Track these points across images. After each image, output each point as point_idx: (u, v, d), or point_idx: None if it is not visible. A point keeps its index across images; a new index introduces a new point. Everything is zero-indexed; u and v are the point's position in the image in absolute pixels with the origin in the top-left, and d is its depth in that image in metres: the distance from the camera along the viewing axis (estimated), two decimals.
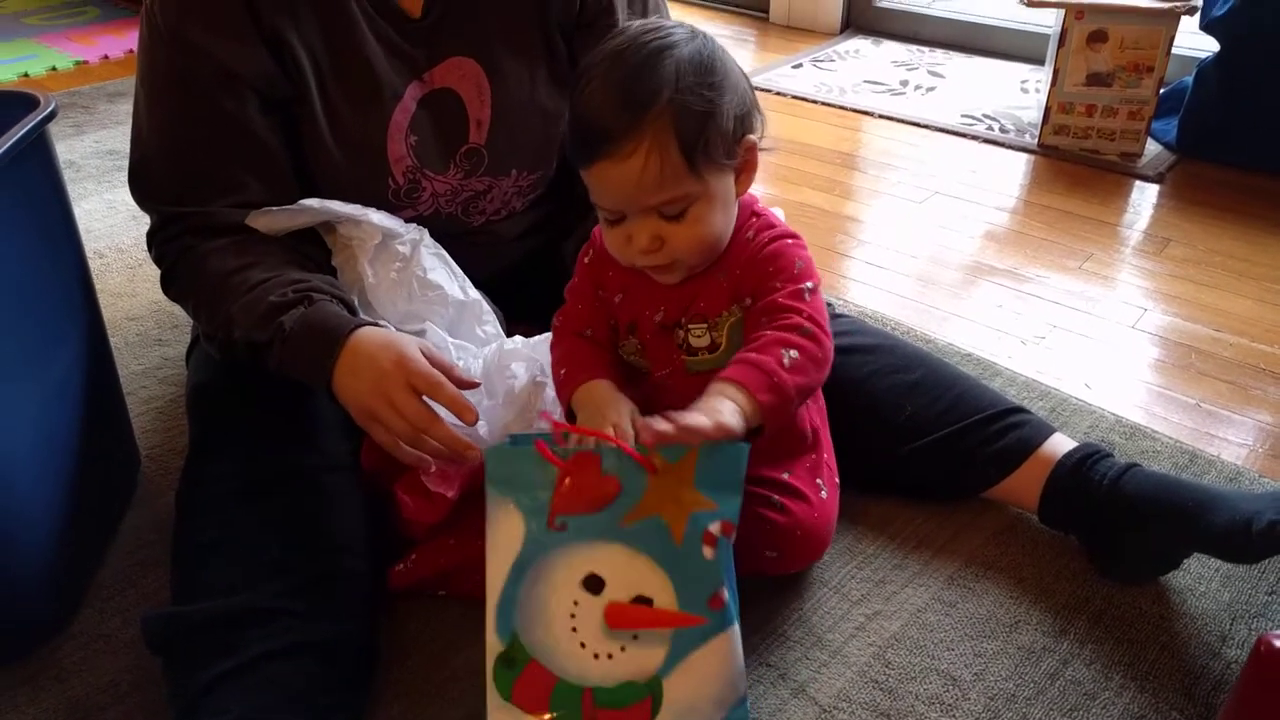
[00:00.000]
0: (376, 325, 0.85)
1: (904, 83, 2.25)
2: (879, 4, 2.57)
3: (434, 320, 0.93)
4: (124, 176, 1.82)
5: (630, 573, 0.68)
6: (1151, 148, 1.87)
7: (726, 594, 0.69)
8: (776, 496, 0.86)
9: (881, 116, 2.08)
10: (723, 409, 0.71)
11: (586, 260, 0.89)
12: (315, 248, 0.96)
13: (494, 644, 0.70)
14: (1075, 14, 1.78)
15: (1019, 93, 2.17)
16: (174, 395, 1.21)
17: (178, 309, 1.38)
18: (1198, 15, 1.75)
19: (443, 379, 0.80)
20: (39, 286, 0.87)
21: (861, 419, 0.97)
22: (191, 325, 1.08)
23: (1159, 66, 1.77)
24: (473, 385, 0.84)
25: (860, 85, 2.24)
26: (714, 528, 0.68)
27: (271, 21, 0.87)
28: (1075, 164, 1.85)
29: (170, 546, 0.86)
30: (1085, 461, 0.92)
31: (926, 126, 2.03)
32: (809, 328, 0.78)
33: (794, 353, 0.76)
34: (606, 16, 1.00)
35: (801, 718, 0.81)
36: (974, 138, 1.97)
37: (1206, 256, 1.53)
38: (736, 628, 0.70)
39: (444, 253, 0.98)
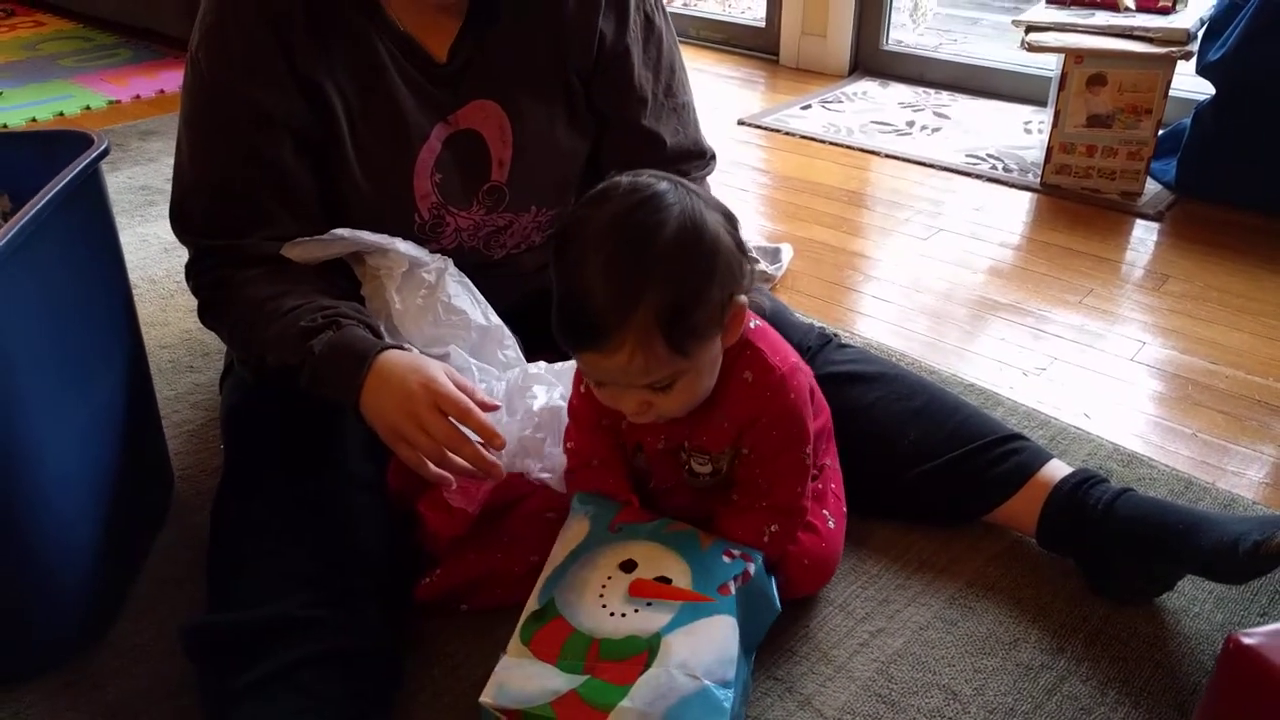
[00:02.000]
0: (402, 348, 0.90)
1: (910, 123, 2.31)
2: (886, 47, 2.65)
3: (457, 344, 0.98)
4: (156, 211, 1.91)
5: (659, 560, 0.81)
6: (1151, 187, 1.92)
7: (733, 587, 0.79)
8: None
9: (888, 156, 2.14)
10: None
11: (583, 389, 0.89)
12: (344, 279, 1.01)
13: (532, 604, 0.80)
14: (1075, 58, 1.84)
15: (1022, 133, 2.23)
16: (205, 420, 1.26)
17: (209, 337, 1.44)
18: (1194, 60, 1.81)
19: (471, 404, 0.84)
20: (89, 314, 0.93)
21: (866, 445, 1.01)
22: (225, 353, 1.14)
23: (1157, 109, 1.82)
24: (493, 408, 0.88)
25: (868, 125, 2.30)
26: (735, 550, 0.83)
27: (307, 69, 0.93)
28: (1077, 202, 1.90)
29: (206, 561, 0.90)
30: (1081, 486, 0.95)
31: (932, 166, 2.08)
32: (797, 504, 0.88)
33: (774, 528, 0.87)
34: (622, 63, 1.06)
35: None
36: (978, 177, 2.02)
37: (1204, 292, 1.57)
38: (736, 623, 0.77)
39: (467, 280, 1.03)
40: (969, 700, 0.86)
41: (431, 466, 0.84)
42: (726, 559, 0.82)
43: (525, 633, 0.77)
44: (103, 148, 0.93)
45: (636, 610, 0.77)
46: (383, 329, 0.96)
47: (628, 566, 0.81)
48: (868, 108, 2.42)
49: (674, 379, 0.78)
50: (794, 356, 0.88)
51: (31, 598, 0.86)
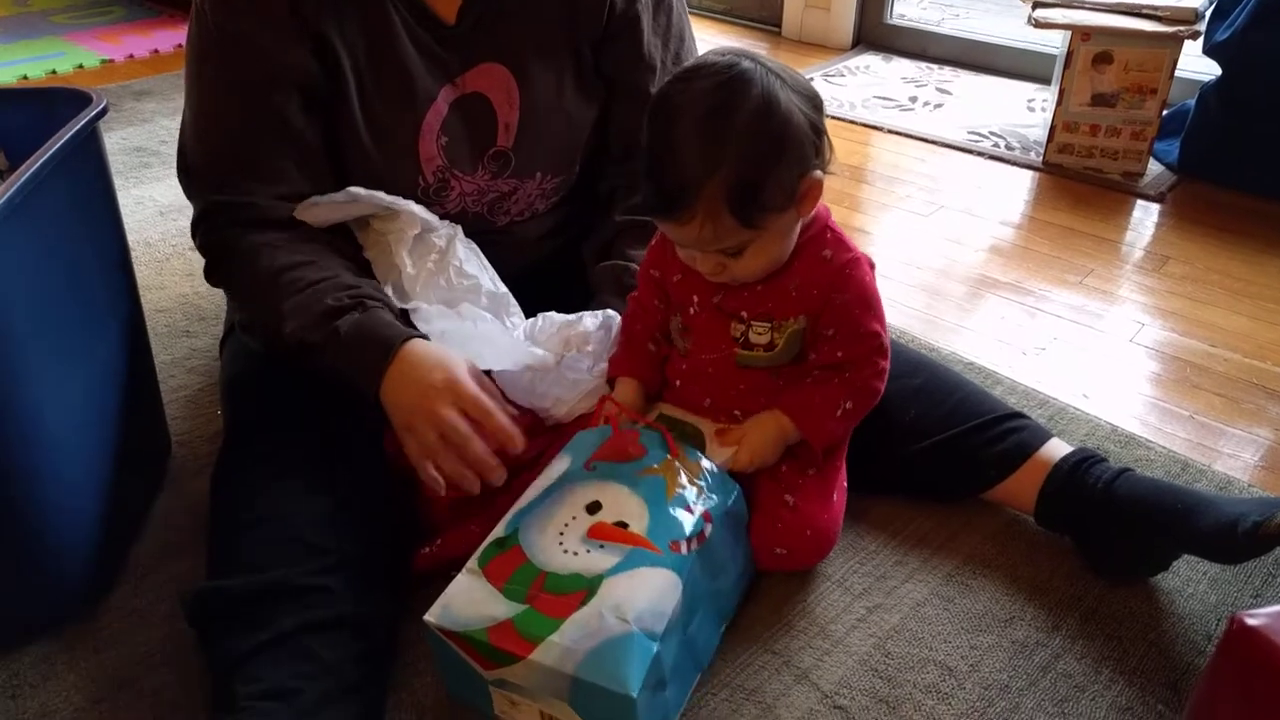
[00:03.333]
0: (426, 338, 0.90)
1: (913, 99, 2.30)
2: (889, 21, 2.62)
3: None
4: (151, 174, 1.89)
5: (624, 505, 0.83)
6: (1153, 168, 1.91)
7: (684, 548, 0.81)
8: (789, 497, 0.91)
9: (890, 131, 2.13)
10: (767, 447, 0.91)
11: (652, 244, 0.97)
12: (346, 242, 1.00)
13: (497, 531, 0.83)
14: (1081, 36, 1.83)
15: (1025, 111, 2.21)
16: (201, 385, 1.26)
17: (205, 301, 1.44)
18: (1201, 40, 1.79)
19: (492, 407, 0.85)
20: (87, 276, 0.92)
21: (866, 421, 1.01)
22: (225, 317, 1.13)
23: (1162, 89, 1.81)
24: (514, 415, 0.89)
25: (870, 100, 2.29)
26: (697, 507, 0.84)
27: (316, 23, 0.92)
28: (1078, 182, 1.90)
29: (207, 525, 0.90)
30: (1081, 465, 0.96)
31: (934, 142, 2.07)
32: (874, 384, 0.91)
33: (849, 404, 0.91)
34: (632, 30, 1.05)
35: (804, 702, 0.84)
36: (980, 154, 2.01)
37: (1204, 275, 1.57)
38: (681, 584, 0.78)
39: (475, 247, 1.03)
40: (964, 676, 0.87)
41: (429, 468, 0.85)
42: (686, 515, 0.82)
43: (484, 557, 0.80)
44: (101, 106, 0.92)
45: (589, 551, 0.79)
46: (393, 300, 0.95)
47: (593, 508, 0.83)
48: (870, 82, 2.41)
49: (744, 247, 0.83)
50: None
51: (29, 562, 0.86)
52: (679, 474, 0.86)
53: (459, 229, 1.03)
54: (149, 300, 1.44)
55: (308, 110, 0.95)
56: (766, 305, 0.90)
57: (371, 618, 0.81)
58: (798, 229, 0.88)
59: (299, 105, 0.94)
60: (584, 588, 0.76)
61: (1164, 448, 1.16)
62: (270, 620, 0.76)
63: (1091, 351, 1.37)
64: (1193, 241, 1.67)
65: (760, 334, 0.90)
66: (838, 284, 0.88)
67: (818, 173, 0.83)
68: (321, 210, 0.95)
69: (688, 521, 0.82)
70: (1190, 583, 0.96)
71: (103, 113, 0.92)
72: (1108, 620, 0.92)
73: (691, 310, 0.93)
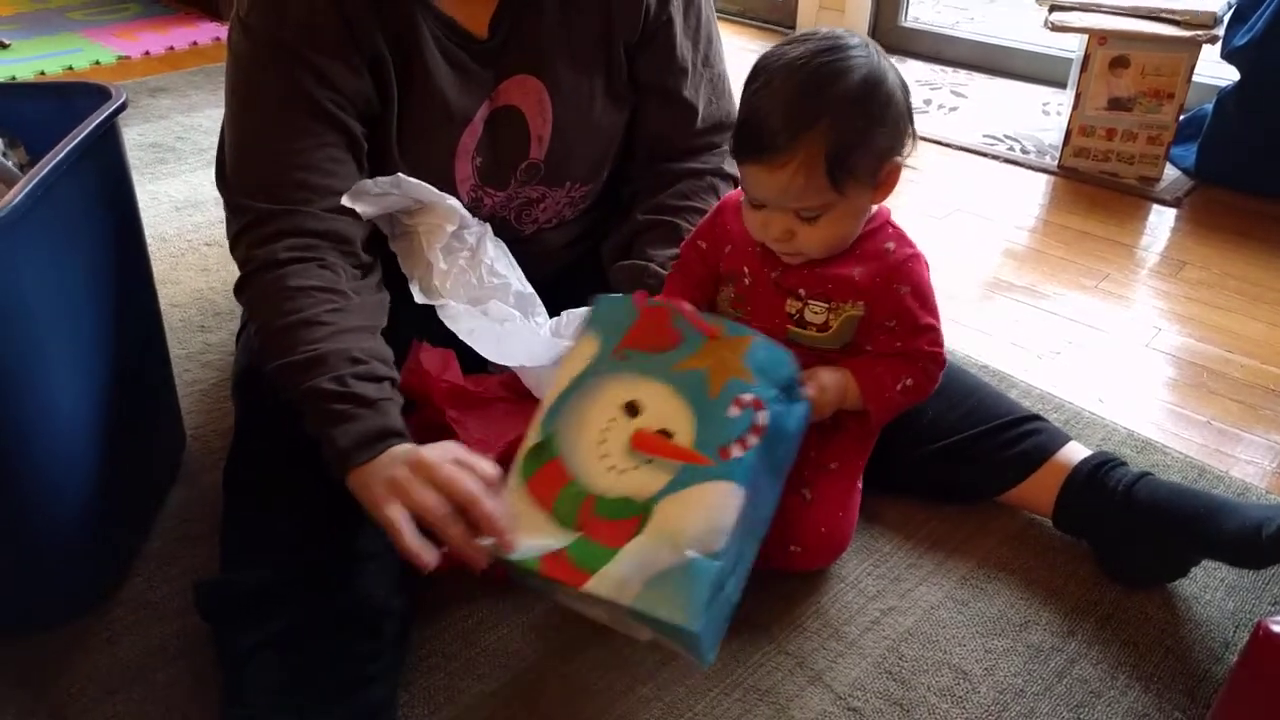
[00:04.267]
0: (416, 449, 0.79)
1: (928, 101, 2.29)
2: (904, 24, 2.62)
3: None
4: (166, 169, 1.90)
5: (665, 407, 0.78)
6: (1170, 172, 1.90)
7: (737, 451, 0.75)
8: (806, 491, 0.91)
9: None
10: (831, 390, 0.88)
11: (703, 221, 0.97)
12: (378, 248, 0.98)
13: (533, 436, 0.79)
14: (1098, 39, 1.82)
15: (1040, 115, 2.20)
16: (216, 379, 1.26)
17: (219, 297, 1.44)
18: (1219, 45, 1.78)
19: (475, 492, 0.74)
20: (105, 270, 0.92)
21: None
22: (241, 311, 1.13)
23: (1179, 93, 1.80)
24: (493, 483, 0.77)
25: None
26: (745, 397, 0.78)
27: (368, 41, 0.89)
28: (1094, 186, 1.89)
29: (220, 519, 0.90)
30: (1100, 469, 0.95)
31: (949, 145, 2.06)
32: (932, 369, 0.92)
33: (909, 381, 0.91)
34: (666, 33, 1.04)
35: (818, 704, 0.84)
36: (995, 157, 2.01)
37: (1220, 280, 1.56)
38: (742, 491, 0.74)
39: (504, 246, 1.03)
40: (979, 680, 0.86)
41: (407, 538, 0.73)
42: (735, 410, 0.77)
43: (526, 468, 0.77)
44: (120, 101, 0.92)
45: (636, 466, 0.76)
46: (416, 291, 0.95)
47: (631, 410, 0.78)
48: None
49: (822, 211, 0.83)
50: None
51: (44, 553, 0.86)
52: (720, 362, 0.79)
53: (488, 227, 1.03)
54: (164, 295, 1.43)
55: (359, 121, 0.92)
56: (825, 286, 0.90)
57: (384, 612, 0.81)
58: (867, 215, 0.89)
59: (354, 116, 0.91)
60: (636, 513, 0.74)
61: (1180, 453, 1.15)
62: (282, 614, 0.76)
63: (1107, 356, 1.36)
64: (1209, 246, 1.66)
65: (817, 313, 0.91)
66: (899, 276, 0.89)
67: (902, 158, 0.85)
68: (369, 199, 0.92)
69: (737, 420, 0.77)
70: (1208, 589, 0.96)
71: (122, 107, 0.92)
72: (1124, 626, 0.92)
73: (745, 281, 0.93)
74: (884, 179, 0.85)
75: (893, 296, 0.89)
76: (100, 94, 0.94)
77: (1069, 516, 0.97)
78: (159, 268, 1.51)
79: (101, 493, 0.90)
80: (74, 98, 0.96)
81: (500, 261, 1.00)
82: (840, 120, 0.80)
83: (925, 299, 0.91)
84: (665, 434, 0.77)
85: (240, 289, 0.91)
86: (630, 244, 1.09)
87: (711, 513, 0.73)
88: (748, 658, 0.88)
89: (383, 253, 0.99)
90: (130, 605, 0.92)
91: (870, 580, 0.97)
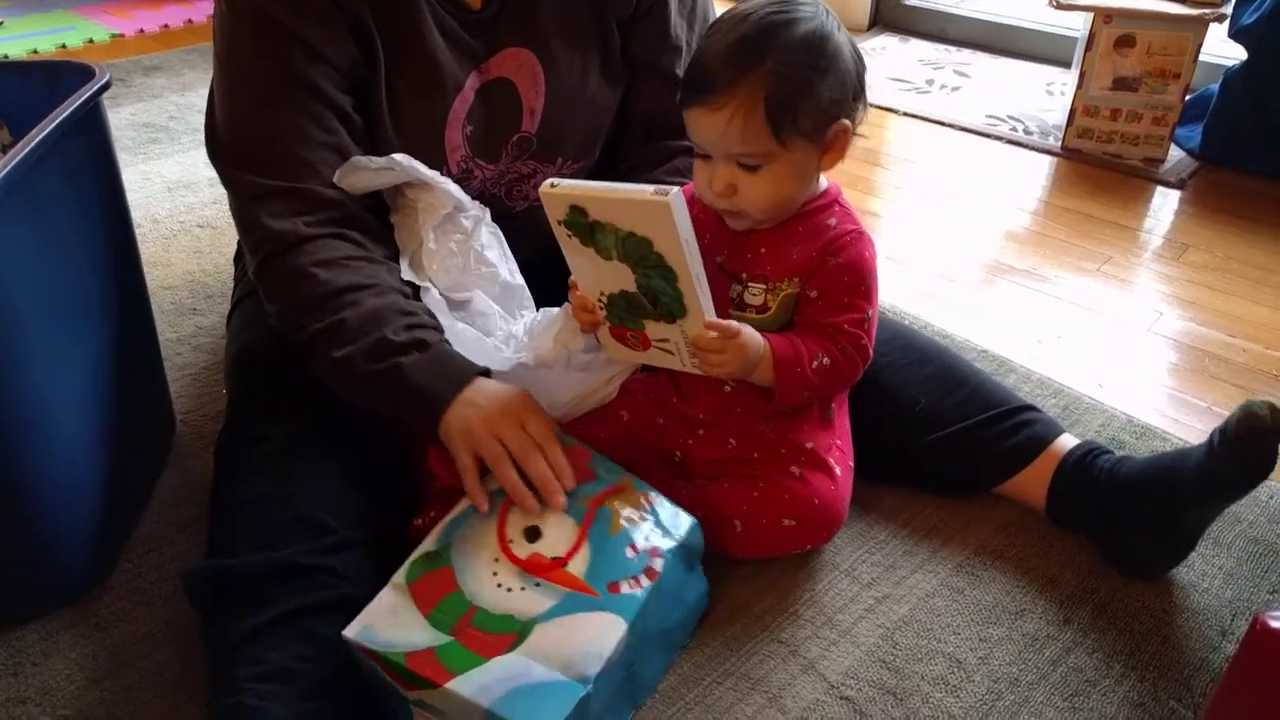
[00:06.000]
0: (489, 374, 0.88)
1: (930, 81, 2.26)
2: (907, 2, 2.58)
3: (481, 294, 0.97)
4: (159, 149, 1.88)
5: (563, 537, 0.80)
6: (1174, 154, 1.88)
7: (626, 588, 0.77)
8: (795, 467, 0.91)
9: (906, 114, 2.10)
10: (751, 340, 0.86)
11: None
12: (382, 216, 0.98)
13: (428, 543, 0.81)
14: (1104, 18, 1.79)
15: (1044, 95, 2.18)
16: (208, 363, 1.25)
17: (211, 280, 1.43)
18: (1226, 23, 1.76)
19: (555, 437, 0.84)
20: (90, 253, 0.91)
21: (877, 409, 1.00)
22: (233, 292, 1.11)
23: (1185, 73, 1.78)
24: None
25: (886, 82, 2.25)
26: (643, 544, 0.81)
27: (353, 6, 0.89)
28: (1097, 168, 1.86)
29: (209, 502, 0.89)
30: (1086, 457, 0.94)
31: (951, 126, 2.04)
32: (851, 352, 0.89)
33: (826, 360, 0.88)
34: (660, 11, 1.03)
35: (810, 692, 0.83)
36: (998, 138, 1.98)
37: (1224, 263, 1.54)
38: (624, 625, 0.75)
39: (500, 234, 1.02)
40: (973, 669, 0.86)
41: (473, 480, 0.83)
42: (630, 554, 0.80)
43: (412, 571, 0.78)
44: (104, 80, 0.91)
45: (523, 588, 0.77)
46: (405, 267, 0.94)
47: (532, 535, 0.81)
48: (887, 64, 2.37)
49: (763, 162, 0.83)
50: None
51: (31, 541, 0.85)
52: (626, 507, 0.83)
53: (487, 212, 1.02)
54: (155, 277, 1.43)
55: (346, 92, 0.92)
56: (765, 267, 0.89)
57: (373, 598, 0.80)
58: (812, 184, 0.89)
59: (342, 87, 0.91)
60: (515, 630, 0.74)
61: (1180, 439, 1.14)
62: (271, 601, 0.76)
63: (1108, 340, 1.35)
64: (1213, 229, 1.64)
65: (755, 295, 0.90)
66: (833, 249, 0.88)
67: (849, 123, 0.85)
68: (360, 176, 0.91)
69: (631, 561, 0.79)
70: (1205, 577, 0.95)
71: (105, 87, 0.91)
72: (1120, 614, 0.91)
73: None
74: (831, 141, 0.85)
75: (824, 269, 0.88)
76: (84, 73, 0.92)
77: (1061, 508, 0.96)
78: (150, 249, 1.51)
79: (89, 480, 0.89)
80: (59, 77, 0.95)
81: (492, 249, 0.99)
82: (782, 65, 0.80)
83: (858, 276, 0.89)
84: (559, 560, 0.79)
85: (261, 273, 0.90)
86: None
87: (590, 640, 0.74)
88: (740, 645, 0.87)
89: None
90: (119, 591, 0.92)
91: (865, 567, 0.96)
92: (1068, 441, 0.98)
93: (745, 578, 0.94)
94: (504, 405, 0.84)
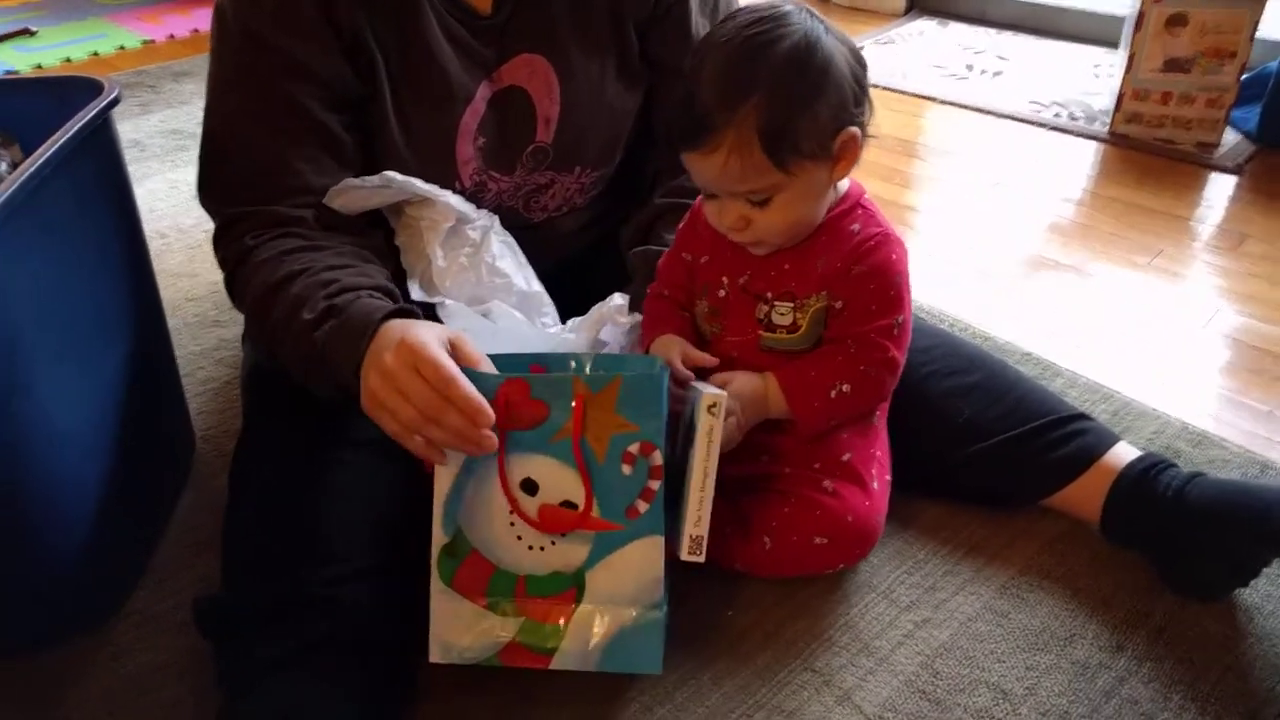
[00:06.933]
0: (413, 312, 0.79)
1: (969, 67, 2.19)
2: None
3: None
4: (187, 156, 1.87)
5: (559, 480, 0.76)
6: (1230, 137, 1.79)
7: (643, 506, 0.75)
8: (828, 481, 0.87)
9: (945, 102, 2.03)
10: (746, 398, 0.84)
11: (681, 226, 0.94)
12: (376, 231, 0.95)
13: (439, 537, 0.77)
14: None
15: (1090, 78, 2.09)
16: (230, 377, 1.23)
17: None
18: None
19: (455, 374, 0.71)
20: (101, 271, 0.89)
21: (916, 420, 0.95)
22: None
23: (1242, 52, 1.69)
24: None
25: (924, 69, 2.18)
26: (633, 448, 0.75)
27: (349, 20, 0.86)
28: (1147, 154, 1.78)
29: (222, 526, 0.87)
30: (1149, 472, 0.89)
31: (992, 113, 1.97)
32: (876, 370, 0.85)
33: (846, 387, 0.85)
34: (681, 10, 0.99)
35: None
36: (1041, 125, 1.91)
37: None
38: (659, 539, 0.76)
39: (512, 241, 0.98)
40: (1020, 700, 0.81)
41: (417, 440, 0.73)
42: (627, 468, 0.75)
43: (444, 571, 0.77)
44: (112, 96, 0.89)
45: (553, 543, 0.77)
46: (395, 290, 0.91)
47: (529, 488, 0.76)
48: (924, 49, 2.30)
49: (771, 193, 0.79)
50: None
51: (44, 570, 0.84)
52: (596, 419, 0.74)
53: (495, 220, 0.99)
54: (179, 288, 1.42)
55: (336, 110, 0.89)
56: (790, 284, 0.85)
57: (388, 632, 0.78)
58: (830, 195, 0.84)
59: (326, 104, 0.88)
60: (570, 586, 0.76)
61: (1240, 447, 1.08)
62: (283, 635, 0.73)
63: (1160, 340, 1.28)
64: (1273, 217, 1.56)
65: (783, 315, 0.86)
66: (858, 256, 0.84)
67: (856, 129, 0.79)
68: (353, 195, 0.89)
69: (631, 477, 0.75)
70: (1270, 599, 0.89)
71: (114, 103, 0.89)
72: (1178, 640, 0.85)
73: (721, 292, 0.89)
74: (840, 151, 0.80)
75: (849, 278, 0.84)
76: (93, 88, 0.90)
77: (1118, 525, 0.91)
78: (176, 260, 1.50)
79: (104, 505, 0.87)
80: (69, 92, 0.93)
81: (505, 259, 0.96)
82: (771, 93, 0.75)
83: (886, 283, 0.85)
84: (569, 505, 0.76)
85: (228, 292, 0.90)
86: (650, 228, 1.05)
87: (641, 571, 0.76)
88: (772, 675, 0.83)
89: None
90: (136, 619, 0.90)
91: (903, 589, 0.91)
92: (1124, 453, 0.92)
93: (777, 601, 0.90)
94: (399, 357, 0.72)
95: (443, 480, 0.77)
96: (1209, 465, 1.04)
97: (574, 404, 0.74)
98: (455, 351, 0.74)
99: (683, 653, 0.84)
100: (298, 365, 0.82)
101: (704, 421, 0.76)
